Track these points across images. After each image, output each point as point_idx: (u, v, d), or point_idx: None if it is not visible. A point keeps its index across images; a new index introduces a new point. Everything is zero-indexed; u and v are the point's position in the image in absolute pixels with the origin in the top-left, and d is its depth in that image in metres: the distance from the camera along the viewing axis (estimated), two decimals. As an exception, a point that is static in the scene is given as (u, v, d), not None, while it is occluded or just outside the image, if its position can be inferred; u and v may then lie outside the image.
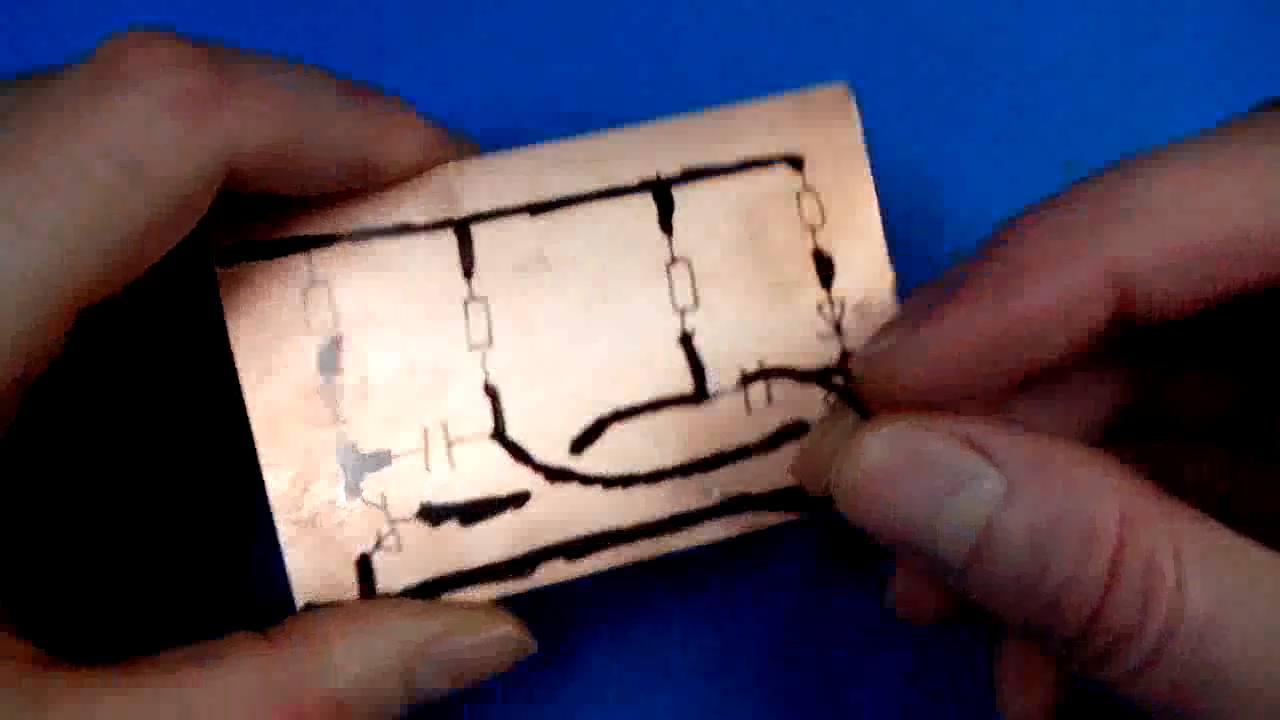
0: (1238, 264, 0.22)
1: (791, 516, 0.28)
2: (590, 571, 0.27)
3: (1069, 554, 0.21)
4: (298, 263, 0.27)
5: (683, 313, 0.29)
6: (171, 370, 0.32)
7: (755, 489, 0.28)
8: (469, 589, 0.27)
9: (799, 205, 0.29)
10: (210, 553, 0.33)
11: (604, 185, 0.29)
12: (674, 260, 0.29)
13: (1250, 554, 0.21)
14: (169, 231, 0.24)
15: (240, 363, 0.27)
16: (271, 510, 0.27)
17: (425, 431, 0.27)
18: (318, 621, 0.25)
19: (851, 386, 0.25)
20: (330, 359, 0.27)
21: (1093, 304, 0.22)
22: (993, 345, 0.23)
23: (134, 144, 0.22)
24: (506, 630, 0.26)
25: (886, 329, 0.25)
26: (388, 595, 0.27)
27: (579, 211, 0.29)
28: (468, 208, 0.28)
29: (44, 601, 0.29)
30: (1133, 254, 0.22)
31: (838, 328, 0.29)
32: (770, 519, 0.28)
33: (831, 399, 0.25)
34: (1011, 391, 0.24)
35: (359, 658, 0.24)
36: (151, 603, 0.32)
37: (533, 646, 0.27)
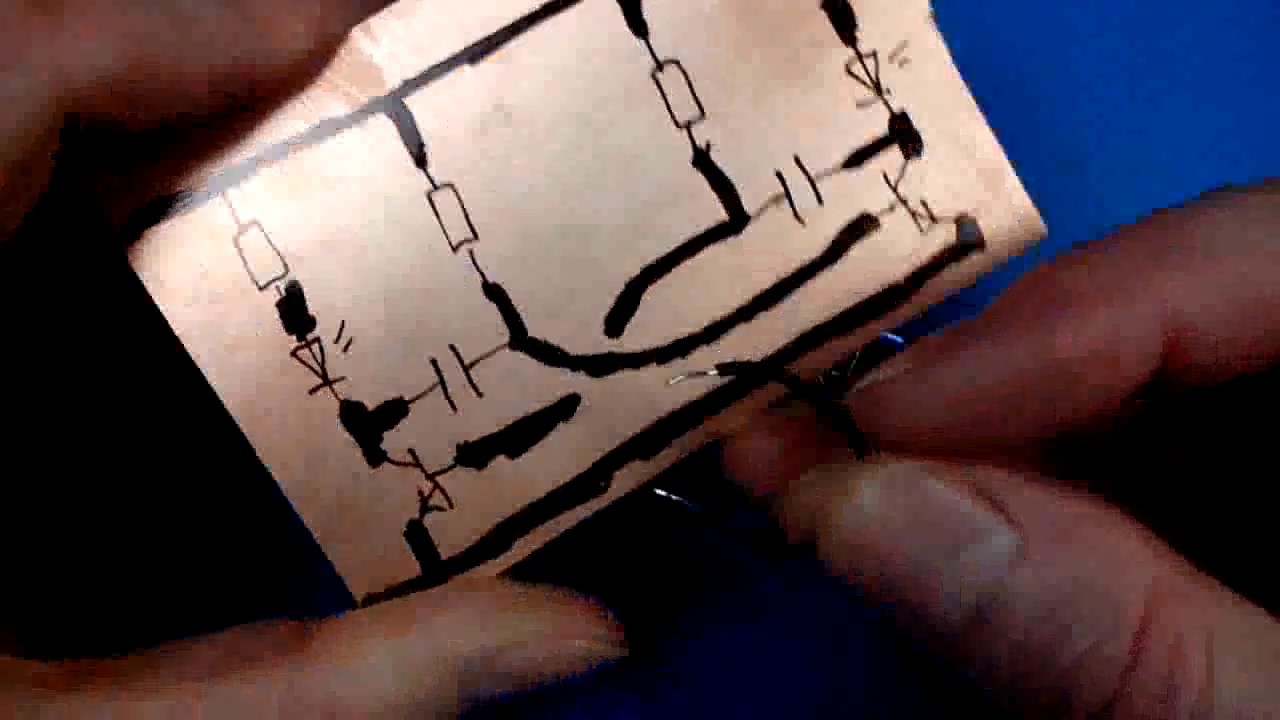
0: None
1: (885, 326, 0.24)
2: (674, 461, 0.23)
3: (1088, 626, 0.18)
4: (215, 208, 0.22)
5: (689, 127, 0.23)
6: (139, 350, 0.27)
7: (835, 309, 0.23)
8: (544, 524, 0.23)
9: None
10: (229, 534, 0.29)
11: None
12: (660, 66, 0.23)
13: None
14: (3, 202, 0.19)
15: (193, 350, 0.22)
16: (293, 505, 0.22)
17: (435, 363, 0.23)
18: (361, 628, 0.21)
19: (851, 418, 0.21)
20: (296, 312, 0.22)
21: (1143, 348, 0.19)
22: (1025, 386, 0.19)
23: None
24: (585, 645, 0.22)
25: (895, 359, 0.21)
26: (456, 576, 0.23)
27: (528, 38, 0.23)
28: (393, 77, 0.22)
29: (61, 605, 0.26)
30: (1190, 295, 0.19)
31: (878, 87, 0.23)
32: (860, 339, 0.23)
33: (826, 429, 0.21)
34: (1030, 453, 0.21)
35: (406, 678, 0.21)
36: (184, 593, 0.28)
37: (622, 650, 0.23)
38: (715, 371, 0.23)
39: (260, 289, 0.22)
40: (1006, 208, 0.24)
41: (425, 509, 0.23)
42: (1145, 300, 0.19)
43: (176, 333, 0.22)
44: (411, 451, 0.23)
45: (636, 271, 0.23)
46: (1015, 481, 0.19)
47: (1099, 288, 0.19)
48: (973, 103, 0.24)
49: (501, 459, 0.23)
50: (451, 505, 0.23)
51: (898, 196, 0.23)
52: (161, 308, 0.22)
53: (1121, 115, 0.31)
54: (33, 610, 0.24)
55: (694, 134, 0.23)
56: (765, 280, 0.23)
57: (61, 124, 0.19)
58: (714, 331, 0.23)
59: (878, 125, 0.23)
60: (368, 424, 0.22)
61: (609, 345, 0.23)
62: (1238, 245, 0.19)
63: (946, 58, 0.23)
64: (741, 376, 0.23)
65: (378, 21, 0.22)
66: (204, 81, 0.20)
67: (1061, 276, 0.20)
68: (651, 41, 0.23)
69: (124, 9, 0.19)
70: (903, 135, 0.23)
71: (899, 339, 0.28)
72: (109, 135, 0.20)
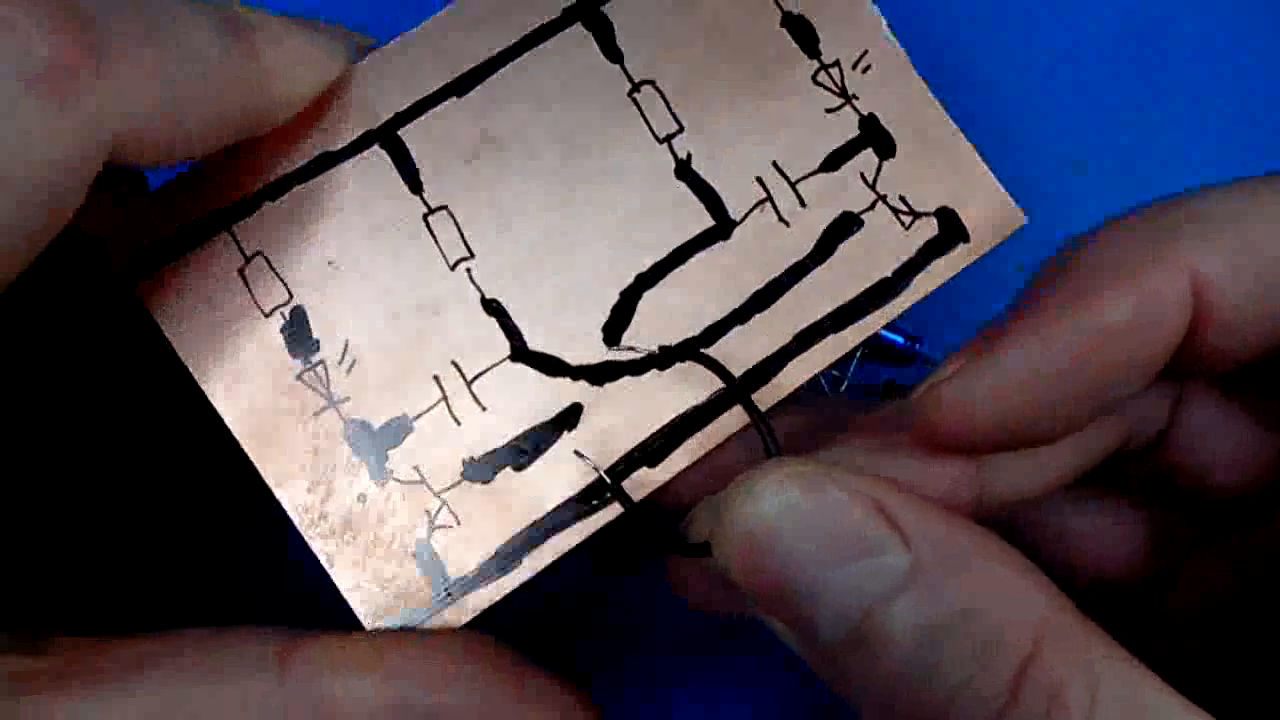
0: None
1: (879, 321, 0.24)
2: (682, 468, 0.23)
3: (966, 658, 0.17)
4: (221, 243, 0.23)
5: (669, 141, 0.24)
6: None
7: (828, 306, 0.24)
8: (554, 539, 0.23)
9: None
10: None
11: (525, 29, 0.24)
12: (636, 87, 0.24)
13: (1169, 708, 0.17)
14: (39, 233, 0.19)
15: (201, 379, 0.22)
16: (299, 529, 0.22)
17: (437, 379, 0.23)
18: (338, 659, 0.21)
19: (765, 418, 0.21)
20: (300, 336, 0.23)
21: (1178, 308, 0.20)
22: (1077, 361, 0.20)
23: None
24: None
25: (950, 358, 0.21)
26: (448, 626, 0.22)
27: (510, 70, 0.24)
28: (385, 111, 0.23)
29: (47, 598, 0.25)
30: (1211, 258, 0.20)
31: (845, 93, 0.24)
32: (856, 335, 0.24)
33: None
34: (1080, 427, 0.21)
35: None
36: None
37: None
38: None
39: (265, 316, 0.23)
40: (984, 198, 0.24)
41: (433, 527, 0.23)
42: (1174, 263, 0.20)
43: (185, 362, 0.22)
44: (417, 469, 0.23)
45: (630, 280, 0.24)
46: (913, 503, 0.19)
47: (1131, 257, 0.20)
48: (936, 101, 0.25)
49: (508, 472, 0.23)
50: (459, 522, 0.23)
51: (877, 194, 0.24)
52: (171, 341, 0.22)
53: (1121, 115, 0.32)
54: (18, 601, 0.24)
55: (674, 146, 0.24)
56: (756, 281, 0.24)
57: (103, 165, 0.20)
58: (712, 334, 0.23)
59: (849, 129, 0.24)
60: (373, 443, 0.23)
61: (609, 353, 0.23)
62: (1251, 216, 0.20)
63: (906, 61, 0.25)
64: (666, 357, 0.23)
65: (368, 63, 0.24)
66: (220, 125, 0.21)
67: (1090, 253, 0.21)
68: (626, 64, 0.24)
69: (159, 55, 0.20)
70: (874, 136, 0.24)
71: (899, 338, 0.28)
72: (118, 174, 0.21)
